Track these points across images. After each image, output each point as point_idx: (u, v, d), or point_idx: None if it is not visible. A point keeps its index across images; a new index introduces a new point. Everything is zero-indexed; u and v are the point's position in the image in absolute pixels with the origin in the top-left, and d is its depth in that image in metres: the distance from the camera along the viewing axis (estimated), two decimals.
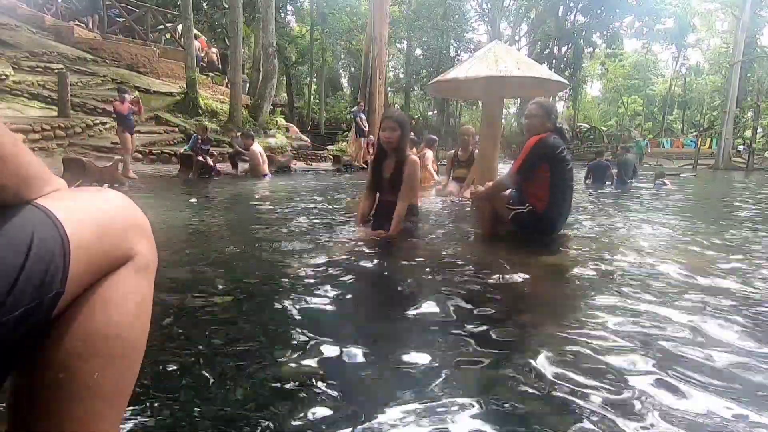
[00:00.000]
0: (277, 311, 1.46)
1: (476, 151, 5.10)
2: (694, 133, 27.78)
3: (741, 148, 22.04)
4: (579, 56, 28.44)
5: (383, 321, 1.42)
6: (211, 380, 1.03)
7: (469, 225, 3.27)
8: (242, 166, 8.10)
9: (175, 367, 1.08)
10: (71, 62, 10.13)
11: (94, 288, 0.52)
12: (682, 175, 12.06)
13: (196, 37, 12.91)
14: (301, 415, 0.90)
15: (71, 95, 8.23)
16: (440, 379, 1.05)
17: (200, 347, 1.19)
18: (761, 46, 26.39)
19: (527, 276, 1.91)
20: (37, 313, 0.45)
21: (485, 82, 4.24)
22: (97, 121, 8.64)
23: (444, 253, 2.38)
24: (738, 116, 21.67)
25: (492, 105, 4.80)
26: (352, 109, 13.69)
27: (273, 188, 6.18)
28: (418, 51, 28.74)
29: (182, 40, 12.94)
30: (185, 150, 7.77)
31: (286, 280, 1.83)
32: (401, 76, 30.03)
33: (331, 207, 4.15)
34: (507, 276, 1.91)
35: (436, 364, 1.13)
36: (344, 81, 33.44)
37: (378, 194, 2.80)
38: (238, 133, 9.45)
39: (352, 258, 2.17)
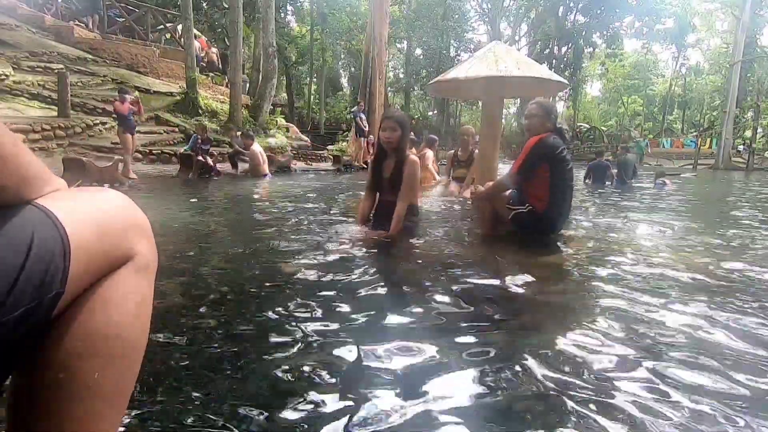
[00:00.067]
0: (276, 311, 1.45)
1: (476, 151, 5.10)
2: (694, 133, 27.79)
3: (741, 148, 22.04)
4: (579, 56, 28.45)
5: (383, 321, 1.42)
6: (211, 380, 1.03)
7: (469, 225, 3.27)
8: (242, 166, 8.10)
9: (175, 367, 1.08)
10: (71, 62, 10.14)
11: (94, 288, 0.52)
12: (682, 175, 12.06)
13: (196, 37, 12.91)
14: (301, 414, 0.90)
15: (71, 95, 8.23)
16: (439, 379, 1.05)
17: (200, 347, 1.19)
18: (761, 46, 26.40)
19: (527, 276, 1.91)
20: (37, 313, 0.45)
21: (485, 82, 4.24)
22: (97, 121, 8.65)
23: (444, 253, 2.38)
24: (738, 116, 21.67)
25: (492, 105, 4.80)
26: (352, 109, 13.70)
27: (273, 188, 6.18)
28: (418, 51, 28.76)
29: (182, 40, 12.94)
30: (185, 150, 7.78)
31: (286, 280, 1.83)
32: (401, 76, 30.04)
33: (331, 207, 4.15)
34: (507, 276, 1.91)
35: (435, 364, 1.13)
36: (344, 81, 33.45)
37: (378, 194, 2.80)
38: (238, 133, 9.45)
39: (352, 258, 2.17)
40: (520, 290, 1.74)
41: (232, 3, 11.68)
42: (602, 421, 0.90)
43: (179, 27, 13.71)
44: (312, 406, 0.94)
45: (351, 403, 0.95)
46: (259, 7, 14.09)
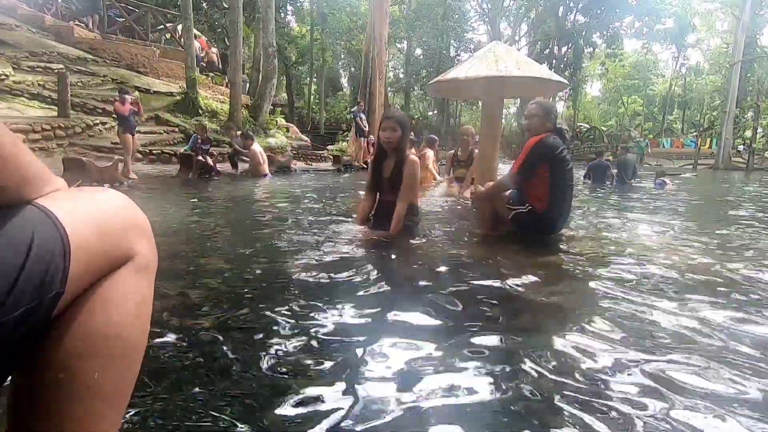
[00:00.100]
0: (276, 311, 1.45)
1: (476, 151, 5.10)
2: (694, 133, 27.80)
3: (741, 148, 22.05)
4: (579, 56, 28.44)
5: (382, 320, 1.42)
6: (211, 379, 1.03)
7: (469, 225, 3.27)
8: (242, 166, 8.10)
9: (174, 367, 1.08)
10: (71, 62, 10.14)
11: (94, 288, 0.52)
12: (682, 175, 12.06)
13: (196, 37, 12.92)
14: (302, 413, 0.90)
15: (71, 95, 8.23)
16: (439, 379, 1.05)
17: (199, 347, 1.19)
18: (761, 46, 26.40)
19: (527, 276, 1.91)
20: (37, 313, 0.45)
21: (485, 82, 4.24)
22: (97, 121, 8.65)
23: (444, 253, 2.38)
24: (738, 116, 21.68)
25: (492, 105, 4.80)
26: (352, 109, 13.69)
27: (273, 188, 6.18)
28: (418, 51, 28.75)
29: (182, 40, 12.95)
30: (185, 150, 7.77)
31: (285, 280, 1.83)
32: (401, 76, 30.04)
33: (330, 207, 4.15)
34: (507, 276, 1.91)
35: (435, 364, 1.13)
36: (344, 81, 33.45)
37: (378, 194, 2.80)
38: (238, 132, 9.45)
39: (352, 258, 2.17)
40: (520, 290, 1.74)
41: (232, 3, 11.68)
42: (602, 421, 0.90)
43: (179, 27, 13.72)
44: (312, 405, 0.94)
45: (351, 402, 0.95)
46: (259, 7, 14.09)
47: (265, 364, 1.10)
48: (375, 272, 1.93)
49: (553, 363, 1.14)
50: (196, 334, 1.27)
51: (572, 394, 1.00)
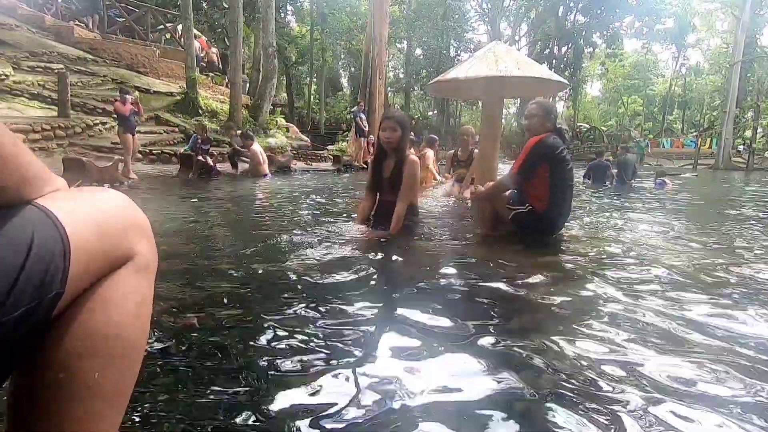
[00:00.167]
0: (276, 310, 1.46)
1: (476, 151, 5.10)
2: (694, 133, 27.78)
3: (741, 148, 22.05)
4: (579, 56, 28.44)
5: (382, 320, 1.42)
6: (211, 379, 1.03)
7: (469, 225, 3.27)
8: (242, 166, 8.10)
9: (174, 367, 1.08)
10: (71, 62, 10.14)
11: (94, 288, 0.52)
12: (683, 176, 12.06)
13: (196, 37, 12.91)
14: (302, 412, 0.90)
15: (71, 95, 8.23)
16: (439, 379, 1.05)
17: (199, 347, 1.19)
18: (761, 46, 26.39)
19: (527, 276, 1.91)
20: (37, 313, 0.45)
21: (485, 82, 4.23)
22: (97, 121, 8.65)
23: (444, 253, 2.38)
24: (738, 116, 21.67)
25: (492, 105, 4.79)
26: (352, 109, 13.70)
27: (273, 188, 6.18)
28: (418, 51, 28.75)
29: (182, 40, 12.95)
30: (185, 150, 7.77)
31: (285, 280, 1.83)
32: (401, 76, 30.04)
33: (330, 207, 4.15)
34: (506, 276, 1.91)
35: (434, 364, 1.13)
36: (344, 81, 33.44)
37: (378, 194, 2.80)
38: (238, 132, 9.44)
39: (352, 258, 2.17)
40: (520, 290, 1.74)
41: (232, 3, 11.68)
42: (602, 421, 0.90)
43: (179, 27, 13.72)
44: (312, 404, 0.94)
45: (351, 401, 0.95)
46: (259, 7, 14.09)
47: (265, 364, 1.11)
48: (375, 272, 1.93)
49: (553, 363, 1.14)
50: (196, 334, 1.27)
51: (572, 394, 1.00)
